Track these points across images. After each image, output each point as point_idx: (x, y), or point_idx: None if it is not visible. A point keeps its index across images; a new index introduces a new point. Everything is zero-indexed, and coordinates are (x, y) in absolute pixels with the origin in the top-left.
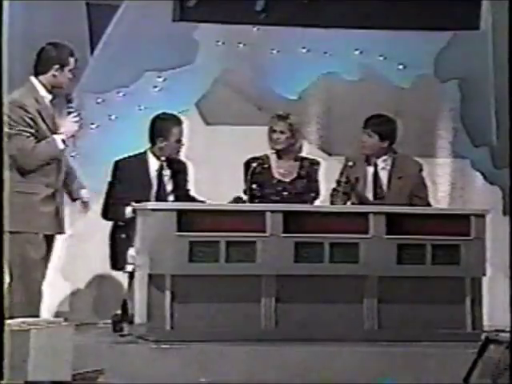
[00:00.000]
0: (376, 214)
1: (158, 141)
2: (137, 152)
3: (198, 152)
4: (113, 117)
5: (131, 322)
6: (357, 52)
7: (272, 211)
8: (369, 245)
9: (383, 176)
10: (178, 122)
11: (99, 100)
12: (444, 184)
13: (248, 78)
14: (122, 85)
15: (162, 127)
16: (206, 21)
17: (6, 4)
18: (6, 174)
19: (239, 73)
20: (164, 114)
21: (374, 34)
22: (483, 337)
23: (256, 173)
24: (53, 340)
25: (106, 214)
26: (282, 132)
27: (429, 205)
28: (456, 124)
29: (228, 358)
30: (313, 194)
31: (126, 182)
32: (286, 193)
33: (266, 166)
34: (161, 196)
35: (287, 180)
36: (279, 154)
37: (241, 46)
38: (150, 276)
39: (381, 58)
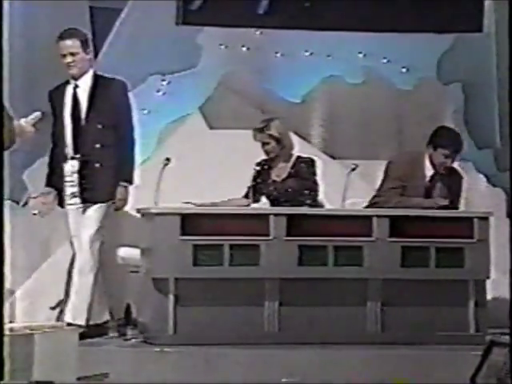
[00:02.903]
0: (379, 217)
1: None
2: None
3: (202, 155)
4: None
5: (135, 326)
6: (360, 55)
7: (275, 214)
8: (372, 248)
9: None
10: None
11: None
12: None
13: (251, 81)
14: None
15: None
16: (208, 24)
17: (6, 4)
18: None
19: (242, 76)
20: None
21: (377, 37)
22: (488, 339)
23: (257, 175)
24: (57, 344)
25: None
26: (266, 143)
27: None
28: (459, 126)
29: (231, 362)
30: (307, 192)
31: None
32: (275, 192)
33: (266, 167)
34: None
35: (279, 180)
36: (272, 158)
37: (244, 49)
38: (154, 279)
39: (384, 61)
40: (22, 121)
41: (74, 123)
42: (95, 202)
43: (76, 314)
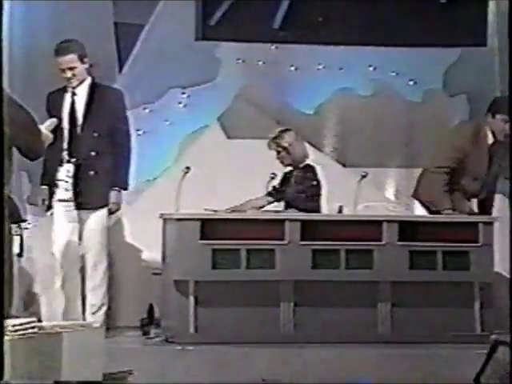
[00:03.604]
0: (389, 222)
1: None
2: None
3: (220, 164)
4: (140, 132)
5: (158, 326)
6: (370, 68)
7: (290, 220)
8: (382, 251)
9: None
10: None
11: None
12: None
13: (267, 93)
14: (149, 101)
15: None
16: (226, 39)
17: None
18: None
19: (258, 89)
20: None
21: (387, 51)
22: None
23: (273, 184)
24: (84, 342)
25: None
26: (278, 152)
27: None
28: None
29: (248, 360)
30: (308, 196)
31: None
32: (278, 198)
33: (288, 175)
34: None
35: (283, 188)
36: (287, 165)
37: (260, 63)
38: (175, 282)
39: (393, 74)
40: (42, 128)
41: (70, 129)
42: (89, 209)
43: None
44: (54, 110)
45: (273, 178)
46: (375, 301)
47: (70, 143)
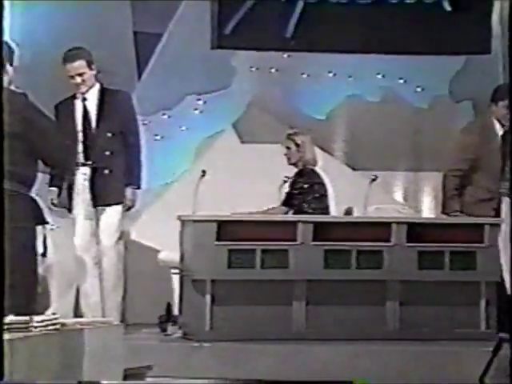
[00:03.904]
0: (398, 224)
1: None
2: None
3: (235, 168)
4: (158, 137)
5: (175, 323)
6: (378, 76)
7: (303, 221)
8: (391, 252)
9: None
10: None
11: (146, 122)
12: None
13: (279, 100)
14: (166, 107)
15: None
16: (241, 48)
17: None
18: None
19: (271, 95)
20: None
21: (394, 59)
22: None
23: (285, 189)
24: (105, 339)
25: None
26: (288, 148)
27: None
28: None
29: (262, 355)
30: (299, 197)
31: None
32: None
33: (289, 180)
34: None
35: (288, 189)
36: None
37: (273, 70)
38: (192, 281)
39: (400, 81)
40: None
41: (84, 132)
42: (106, 205)
43: (110, 314)
44: (64, 118)
45: (285, 182)
46: (384, 299)
47: (84, 145)
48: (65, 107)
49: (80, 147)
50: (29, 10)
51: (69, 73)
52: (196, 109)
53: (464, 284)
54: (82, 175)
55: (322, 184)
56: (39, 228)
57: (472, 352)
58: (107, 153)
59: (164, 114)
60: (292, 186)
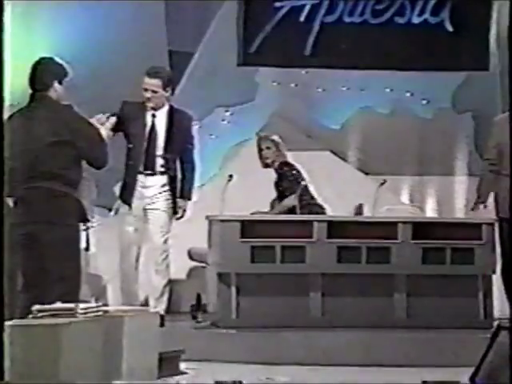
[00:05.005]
0: (404, 223)
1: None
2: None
3: (258, 172)
4: None
5: (205, 311)
6: (388, 89)
7: (318, 221)
8: (398, 248)
9: None
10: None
11: None
12: (461, 198)
13: (299, 111)
14: (198, 118)
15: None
16: (264, 65)
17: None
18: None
19: (292, 108)
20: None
21: (402, 75)
22: (495, 324)
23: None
24: (143, 326)
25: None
26: (267, 148)
27: None
28: (471, 148)
29: (282, 341)
30: (287, 193)
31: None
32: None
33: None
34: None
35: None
36: (269, 164)
37: (292, 85)
38: (219, 274)
39: (407, 94)
40: (102, 129)
41: (147, 148)
42: (157, 209)
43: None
44: (129, 119)
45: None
46: (392, 291)
47: (146, 160)
48: (132, 110)
49: (142, 157)
50: (72, 26)
51: (144, 85)
52: (224, 120)
53: (463, 277)
54: (140, 182)
55: (299, 171)
56: (82, 225)
57: (471, 338)
58: (163, 169)
59: (196, 125)
60: (281, 178)
